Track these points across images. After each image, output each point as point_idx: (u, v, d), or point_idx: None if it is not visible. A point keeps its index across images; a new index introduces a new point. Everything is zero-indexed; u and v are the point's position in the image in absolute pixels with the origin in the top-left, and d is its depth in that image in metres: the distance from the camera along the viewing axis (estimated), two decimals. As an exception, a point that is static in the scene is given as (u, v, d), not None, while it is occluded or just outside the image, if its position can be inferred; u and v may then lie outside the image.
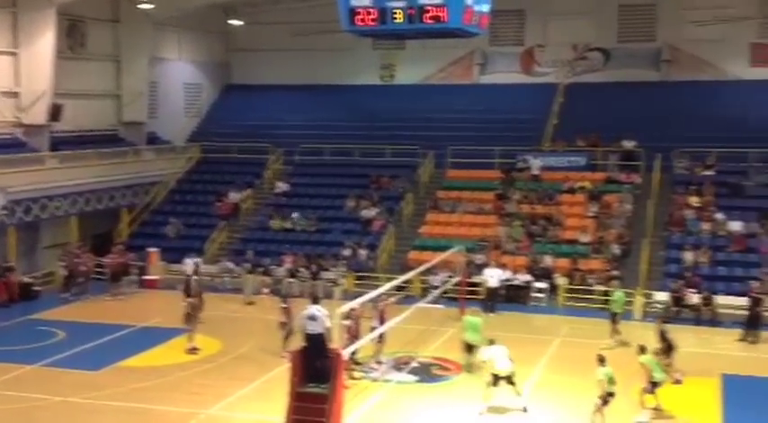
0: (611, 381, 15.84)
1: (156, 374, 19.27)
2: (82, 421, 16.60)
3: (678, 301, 24.59)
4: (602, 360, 16.17)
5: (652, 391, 16.72)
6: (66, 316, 24.89)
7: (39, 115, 29.65)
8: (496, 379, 16.95)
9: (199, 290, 23.73)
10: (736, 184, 29.48)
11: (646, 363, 16.88)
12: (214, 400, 17.50)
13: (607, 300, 24.62)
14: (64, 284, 27.30)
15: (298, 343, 16.44)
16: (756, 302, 22.71)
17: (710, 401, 17.68)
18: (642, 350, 17.17)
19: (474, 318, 20.14)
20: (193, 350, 20.88)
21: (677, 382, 18.31)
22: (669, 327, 19.92)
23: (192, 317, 21.14)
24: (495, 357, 17.05)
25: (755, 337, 22.45)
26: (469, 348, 19.60)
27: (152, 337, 22.32)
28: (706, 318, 24.29)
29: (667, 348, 18.98)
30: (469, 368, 19.62)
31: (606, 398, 15.80)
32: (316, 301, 15.91)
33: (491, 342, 17.46)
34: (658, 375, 16.79)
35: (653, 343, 18.85)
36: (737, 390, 18.30)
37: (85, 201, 30.37)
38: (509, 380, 16.99)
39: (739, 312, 23.43)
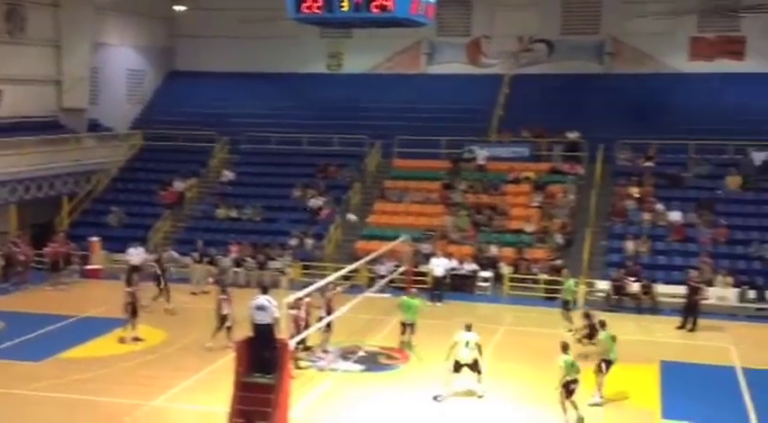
0: (572, 368, 15.74)
1: (99, 365, 18.96)
2: (26, 413, 16.26)
3: (619, 289, 25.09)
4: (564, 347, 16.02)
5: (604, 370, 16.96)
6: (6, 306, 24.29)
7: (-24, 101, 28.94)
8: (458, 366, 17.18)
9: (165, 280, 23.94)
10: (675, 175, 30.13)
11: (603, 340, 17.23)
12: (158, 391, 17.30)
13: (552, 289, 25.20)
14: (2, 274, 26.69)
15: (242, 333, 16.36)
16: (694, 291, 23.23)
17: (650, 387, 18.09)
18: (603, 326, 17.62)
19: (412, 299, 20.62)
20: (136, 340, 20.58)
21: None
22: (597, 314, 20.46)
23: (131, 306, 20.70)
24: (460, 343, 17.25)
25: (694, 325, 23.02)
26: (410, 327, 20.32)
27: (94, 327, 21.92)
28: (646, 306, 24.84)
29: (590, 333, 19.59)
30: (407, 346, 20.11)
31: (569, 385, 15.67)
32: (265, 291, 15.82)
33: (468, 328, 17.60)
34: (613, 355, 17.11)
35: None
36: (676, 376, 18.75)
37: (25, 189, 29.72)
38: (473, 367, 17.23)
39: (678, 301, 23.96)
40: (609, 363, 17.03)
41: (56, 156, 31.06)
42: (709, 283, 24.82)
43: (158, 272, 24.29)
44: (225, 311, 20.04)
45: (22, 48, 31.75)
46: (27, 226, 30.44)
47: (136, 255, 26.66)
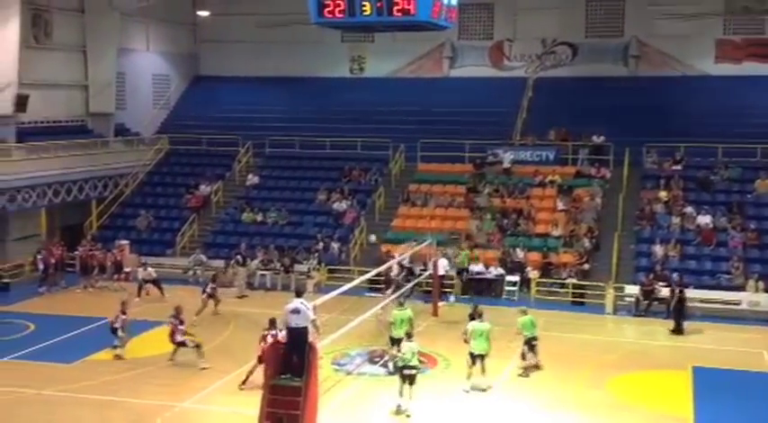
0: None
1: (129, 367, 19.10)
2: (57, 414, 16.37)
3: (648, 294, 24.78)
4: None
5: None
6: (37, 308, 24.60)
7: (4, 106, 29.09)
8: (473, 358, 17.62)
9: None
10: (704, 178, 29.86)
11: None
12: (189, 392, 17.38)
13: (580, 293, 25.12)
14: (42, 278, 26.80)
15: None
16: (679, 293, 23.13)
17: (682, 394, 17.90)
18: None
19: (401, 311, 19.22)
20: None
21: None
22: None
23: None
24: (472, 334, 17.72)
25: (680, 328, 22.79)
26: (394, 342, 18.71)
27: (124, 329, 22.06)
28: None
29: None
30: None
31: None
32: (299, 294, 15.77)
33: (472, 317, 18.28)
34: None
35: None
36: (708, 382, 18.52)
37: (54, 192, 29.93)
38: (482, 358, 17.65)
39: (708, 306, 23.81)
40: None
41: (84, 160, 31.27)
42: (741, 288, 24.57)
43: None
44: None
45: (49, 53, 32.02)
46: (57, 229, 30.69)
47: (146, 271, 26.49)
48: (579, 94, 34.65)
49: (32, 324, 22.63)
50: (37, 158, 29.29)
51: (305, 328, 15.01)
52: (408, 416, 16.34)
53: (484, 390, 17.63)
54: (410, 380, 16.39)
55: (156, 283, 26.15)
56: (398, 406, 16.55)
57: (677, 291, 23.16)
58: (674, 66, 35.22)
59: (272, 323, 17.61)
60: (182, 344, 19.40)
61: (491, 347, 17.89)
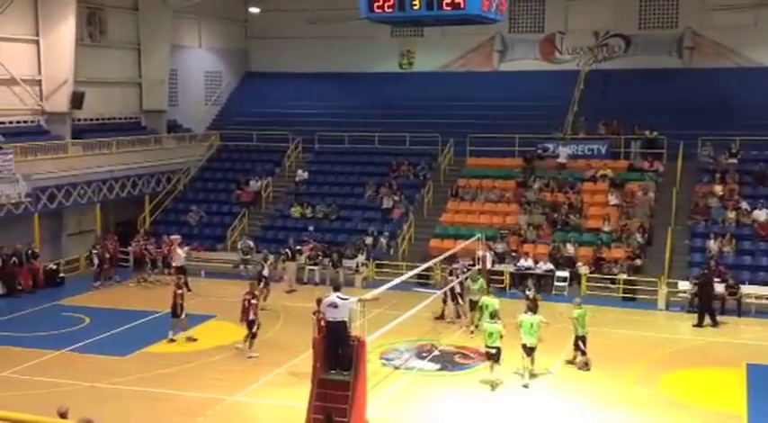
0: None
1: (182, 360, 19.39)
2: (109, 406, 16.63)
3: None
4: None
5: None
6: (92, 302, 25.12)
7: (61, 103, 29.81)
8: (525, 349, 17.80)
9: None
10: (760, 172, 29.17)
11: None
12: (239, 386, 17.62)
13: (631, 289, 24.71)
14: (96, 273, 27.30)
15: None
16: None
17: (736, 391, 17.56)
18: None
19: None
20: (190, 339, 20.81)
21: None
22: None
23: (178, 307, 20.86)
24: (522, 326, 17.85)
25: (713, 322, 22.51)
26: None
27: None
28: (731, 307, 23.94)
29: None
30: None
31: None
32: (337, 288, 15.87)
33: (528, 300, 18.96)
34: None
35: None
36: (762, 379, 18.15)
37: (109, 188, 30.48)
38: (529, 350, 17.73)
39: (764, 302, 23.26)
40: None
41: (138, 156, 31.81)
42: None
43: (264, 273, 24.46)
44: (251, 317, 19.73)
45: (104, 51, 32.64)
46: (111, 224, 31.29)
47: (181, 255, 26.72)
48: (632, 86, 34.23)
49: (88, 317, 23.13)
50: (92, 155, 29.94)
51: (343, 322, 15.09)
52: (495, 386, 17.56)
53: (525, 386, 17.61)
54: (494, 358, 17.47)
55: (183, 271, 25.70)
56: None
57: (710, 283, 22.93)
58: (730, 57, 34.50)
59: (320, 303, 17.69)
60: (251, 323, 19.52)
61: (538, 340, 18.01)
